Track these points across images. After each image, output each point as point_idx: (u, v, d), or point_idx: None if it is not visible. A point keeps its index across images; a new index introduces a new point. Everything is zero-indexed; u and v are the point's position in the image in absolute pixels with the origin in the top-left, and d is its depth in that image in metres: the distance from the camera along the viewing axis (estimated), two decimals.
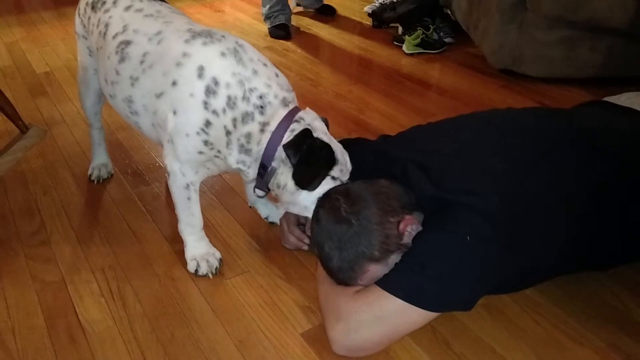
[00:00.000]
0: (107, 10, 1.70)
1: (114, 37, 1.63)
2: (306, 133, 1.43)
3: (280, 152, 1.45)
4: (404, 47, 3.44)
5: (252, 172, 1.52)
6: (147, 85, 1.54)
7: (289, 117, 1.46)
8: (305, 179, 1.45)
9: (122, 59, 1.59)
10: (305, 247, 1.70)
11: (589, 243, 1.42)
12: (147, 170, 2.23)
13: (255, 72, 1.46)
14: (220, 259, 1.69)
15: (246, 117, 1.44)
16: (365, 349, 1.35)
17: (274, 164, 1.46)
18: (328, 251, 1.36)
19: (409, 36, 3.43)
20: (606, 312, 1.51)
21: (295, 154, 1.42)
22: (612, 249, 1.48)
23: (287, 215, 1.73)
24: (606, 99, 1.82)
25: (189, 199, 1.60)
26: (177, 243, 1.75)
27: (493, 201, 1.31)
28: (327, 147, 1.46)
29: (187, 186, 1.57)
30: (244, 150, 1.47)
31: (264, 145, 1.45)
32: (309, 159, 1.42)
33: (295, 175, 1.45)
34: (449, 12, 3.63)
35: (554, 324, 1.48)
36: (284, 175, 1.47)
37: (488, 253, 1.29)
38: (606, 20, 2.70)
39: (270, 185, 1.52)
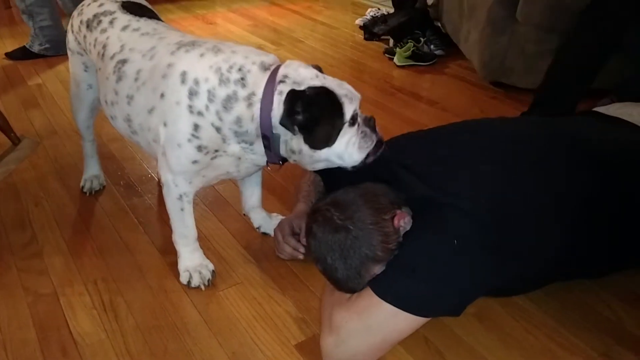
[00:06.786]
0: (104, 31, 1.69)
1: (112, 57, 1.62)
2: (293, 96, 1.36)
3: (277, 118, 1.39)
4: (395, 60, 3.46)
5: (258, 149, 1.47)
6: (141, 103, 1.54)
7: (273, 79, 1.39)
8: (320, 141, 1.40)
9: (119, 79, 1.59)
10: (301, 257, 1.70)
11: (580, 250, 1.43)
12: (140, 181, 2.23)
13: (233, 51, 1.45)
14: (213, 270, 1.68)
15: (228, 102, 1.40)
16: None
17: (275, 131, 1.41)
18: (332, 263, 1.33)
19: (400, 48, 3.45)
20: (599, 321, 1.52)
21: (292, 123, 1.36)
22: (604, 256, 1.50)
23: (281, 225, 1.73)
24: (596, 109, 1.84)
25: (182, 210, 1.60)
26: (169, 255, 1.75)
27: (483, 206, 1.31)
28: (324, 94, 1.39)
29: (180, 197, 1.57)
30: (240, 134, 1.43)
31: (258, 118, 1.40)
32: (312, 120, 1.37)
33: (307, 140, 1.40)
34: (440, 25, 3.66)
35: (546, 333, 1.48)
36: (294, 141, 1.42)
37: (477, 257, 1.29)
38: None
39: (284, 154, 1.46)
